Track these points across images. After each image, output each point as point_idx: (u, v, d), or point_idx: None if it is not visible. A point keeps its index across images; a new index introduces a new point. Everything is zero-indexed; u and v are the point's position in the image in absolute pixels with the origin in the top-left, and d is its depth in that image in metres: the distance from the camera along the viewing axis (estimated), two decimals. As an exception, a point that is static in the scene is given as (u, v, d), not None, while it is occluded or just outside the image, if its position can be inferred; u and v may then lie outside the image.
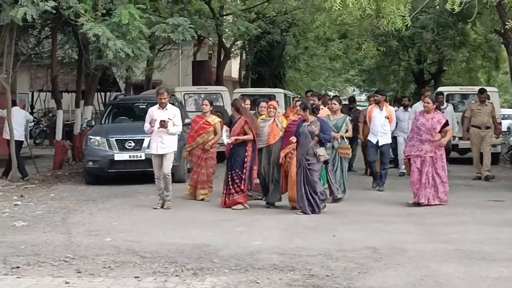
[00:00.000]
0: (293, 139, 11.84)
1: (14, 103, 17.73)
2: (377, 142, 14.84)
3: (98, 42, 15.21)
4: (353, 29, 23.23)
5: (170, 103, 13.05)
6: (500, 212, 12.20)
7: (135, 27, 15.24)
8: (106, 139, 16.15)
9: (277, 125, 12.60)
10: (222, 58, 31.03)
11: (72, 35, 21.24)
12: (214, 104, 14.42)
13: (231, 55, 33.56)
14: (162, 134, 12.49)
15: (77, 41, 19.98)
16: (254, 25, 26.49)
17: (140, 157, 15.61)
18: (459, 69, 35.98)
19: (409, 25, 15.26)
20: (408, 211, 12.25)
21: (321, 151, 11.77)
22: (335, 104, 13.79)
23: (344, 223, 11.08)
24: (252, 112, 13.57)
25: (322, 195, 11.83)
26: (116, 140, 16.09)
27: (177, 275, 7.79)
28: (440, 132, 12.68)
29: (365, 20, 17.32)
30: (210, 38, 31.80)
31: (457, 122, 18.32)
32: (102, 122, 17.88)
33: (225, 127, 13.22)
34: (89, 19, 15.05)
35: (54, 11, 14.92)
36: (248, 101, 13.87)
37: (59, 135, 20.29)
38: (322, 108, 13.89)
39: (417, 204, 12.54)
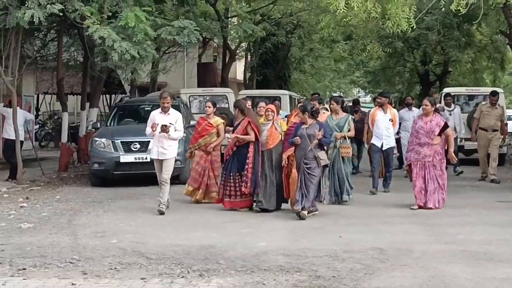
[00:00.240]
0: (297, 140, 11.59)
1: None
2: (382, 145, 14.67)
3: (103, 44, 15.23)
4: (358, 30, 23.23)
5: (172, 106, 12.86)
6: (506, 213, 12.15)
7: (141, 30, 15.24)
8: (112, 141, 16.15)
9: (276, 128, 12.34)
10: (227, 60, 31.03)
11: (77, 38, 21.27)
12: (219, 106, 14.42)
13: (236, 57, 33.57)
14: (163, 139, 12.21)
15: (82, 43, 20.03)
16: (259, 27, 26.46)
17: (146, 159, 15.53)
18: (465, 70, 35.95)
19: (414, 26, 15.21)
20: (414, 212, 12.21)
21: (321, 154, 11.57)
22: (332, 104, 13.59)
23: (350, 224, 11.07)
24: None
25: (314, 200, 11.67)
26: (121, 142, 16.10)
27: (183, 277, 7.79)
28: (439, 135, 12.48)
29: (370, 22, 17.28)
30: (215, 40, 31.80)
31: (463, 123, 18.29)
32: (108, 124, 17.90)
33: (227, 128, 13.15)
34: (94, 22, 15.06)
35: (60, 14, 14.93)
36: (249, 102, 13.73)
37: (64, 137, 20.32)
38: (323, 113, 13.84)
39: (421, 207, 12.41)
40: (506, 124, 17.56)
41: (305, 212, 11.33)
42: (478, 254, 8.77)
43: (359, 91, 63.91)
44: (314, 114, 11.81)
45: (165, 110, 12.37)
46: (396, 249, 9.04)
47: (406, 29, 15.24)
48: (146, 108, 17.99)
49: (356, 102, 20.08)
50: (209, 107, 13.65)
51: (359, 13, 14.33)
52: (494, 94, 17.16)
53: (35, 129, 26.16)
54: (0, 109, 18.44)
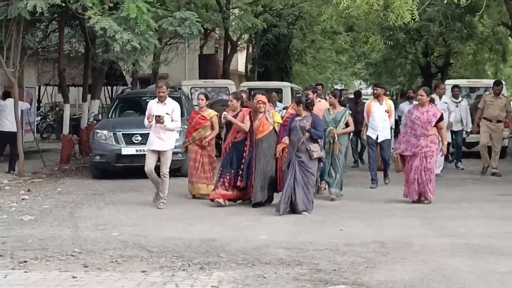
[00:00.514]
0: (286, 139, 11.42)
1: (8, 95, 17.69)
2: (377, 137, 14.49)
3: (105, 35, 15.20)
4: (360, 22, 23.18)
5: (170, 96, 12.64)
6: (508, 206, 12.15)
7: (143, 21, 15.21)
8: (113, 133, 16.15)
9: (266, 119, 12.03)
10: (228, 51, 31.00)
11: (79, 29, 21.24)
12: (220, 97, 14.30)
13: (238, 48, 33.54)
14: (160, 130, 11.93)
15: (84, 35, 19.98)
16: (260, 20, 26.42)
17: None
18: (466, 62, 35.88)
19: (417, 18, 15.16)
20: (414, 205, 12.17)
21: (314, 147, 11.29)
22: (330, 97, 13.33)
23: (351, 218, 11.07)
24: None
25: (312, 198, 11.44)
26: (123, 134, 16.08)
27: (184, 270, 7.79)
28: (435, 126, 12.27)
29: (372, 14, 17.23)
30: (216, 32, 31.76)
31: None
32: (109, 116, 17.89)
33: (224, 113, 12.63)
34: (96, 13, 15.03)
35: (62, 5, 14.90)
36: (245, 96, 13.56)
37: (66, 129, 20.32)
38: (319, 101, 13.73)
39: (416, 200, 12.27)
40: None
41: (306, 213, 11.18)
42: (480, 247, 8.77)
43: (360, 83, 63.86)
44: (308, 106, 11.58)
45: (161, 100, 12.06)
46: (396, 243, 9.04)
47: (409, 21, 15.19)
48: (147, 100, 17.82)
49: (358, 94, 19.97)
50: (201, 99, 13.23)
51: (361, 5, 14.28)
52: (498, 83, 17.02)
53: (36, 121, 26.15)
54: None
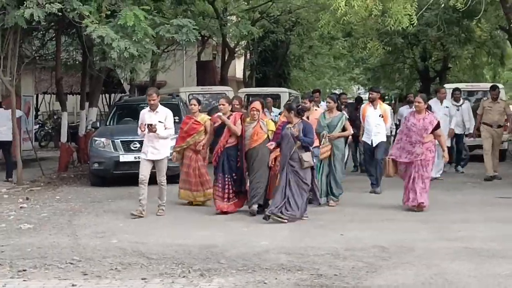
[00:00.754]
0: (272, 145, 11.30)
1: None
2: (372, 142, 14.22)
3: (102, 43, 15.18)
4: (358, 27, 23.15)
5: (165, 103, 12.47)
6: (509, 209, 12.10)
7: (141, 29, 15.18)
8: (111, 141, 16.10)
9: (261, 127, 11.86)
10: (226, 58, 30.98)
11: (76, 37, 21.24)
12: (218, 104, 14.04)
13: (236, 55, 33.51)
14: (153, 139, 11.72)
15: (81, 43, 19.98)
16: (256, 27, 26.42)
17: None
18: (464, 66, 35.83)
19: (415, 23, 15.11)
20: (415, 209, 12.12)
21: (306, 156, 10.99)
22: (329, 102, 13.15)
23: (352, 222, 11.03)
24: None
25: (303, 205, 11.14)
26: (121, 141, 16.04)
27: (184, 276, 7.76)
28: (432, 133, 12.06)
29: (370, 20, 17.18)
30: (214, 38, 31.75)
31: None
32: (107, 123, 17.86)
33: (218, 115, 12.37)
34: (93, 21, 15.01)
35: (58, 13, 14.87)
36: (237, 102, 13.36)
37: (64, 137, 20.27)
38: (316, 110, 13.67)
39: (415, 206, 12.00)
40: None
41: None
42: (481, 251, 8.74)
43: (359, 88, 63.82)
44: (300, 112, 11.39)
45: (152, 108, 11.87)
46: (398, 247, 9.00)
47: (407, 26, 15.14)
48: (145, 107, 17.89)
49: (359, 100, 19.89)
50: (194, 105, 13.04)
51: (359, 11, 14.22)
52: (494, 88, 16.94)
53: (34, 129, 26.12)
54: None
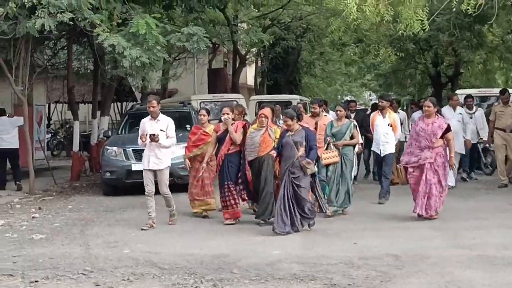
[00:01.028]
0: (273, 153, 11.15)
1: (3, 112, 17.85)
2: (380, 152, 13.93)
3: (114, 52, 15.20)
4: (370, 33, 23.12)
5: (164, 112, 12.22)
6: (523, 216, 12.02)
7: (152, 37, 15.19)
8: (123, 149, 16.09)
9: (269, 135, 11.61)
10: (237, 65, 30.98)
11: (87, 46, 21.28)
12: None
13: (247, 62, 33.52)
14: (155, 148, 11.44)
15: (92, 51, 20.01)
16: (267, 35, 26.38)
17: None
18: (476, 71, 35.78)
19: (427, 28, 15.03)
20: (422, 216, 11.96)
21: (307, 162, 10.77)
22: (340, 111, 12.85)
23: (364, 230, 10.95)
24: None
25: (309, 213, 10.85)
26: (133, 150, 16.00)
27: (196, 287, 7.73)
28: (441, 137, 11.81)
29: (382, 26, 17.10)
30: (225, 46, 31.78)
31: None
32: (119, 132, 17.87)
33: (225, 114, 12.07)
34: (104, 30, 15.03)
35: (70, 23, 14.91)
36: (237, 112, 13.03)
37: (76, 146, 20.30)
38: (325, 115, 13.59)
39: (419, 216, 11.78)
40: None
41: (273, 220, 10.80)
42: (495, 259, 8.65)
43: (370, 94, 63.74)
44: (299, 117, 11.29)
45: (153, 116, 11.60)
46: (411, 255, 8.93)
47: (418, 31, 15.06)
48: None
49: (375, 107, 19.80)
50: (203, 115, 12.81)
51: (371, 16, 14.14)
52: (503, 92, 16.71)
53: (47, 139, 26.20)
54: None
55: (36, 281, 8.06)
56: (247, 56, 32.76)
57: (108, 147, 16.49)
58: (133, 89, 28.48)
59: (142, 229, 11.35)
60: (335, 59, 39.55)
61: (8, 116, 17.93)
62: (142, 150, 15.46)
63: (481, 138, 17.33)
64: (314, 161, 11.05)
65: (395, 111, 15.71)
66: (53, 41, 21.36)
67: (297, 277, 7.98)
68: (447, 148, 11.91)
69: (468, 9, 13.57)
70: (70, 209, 14.11)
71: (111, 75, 20.09)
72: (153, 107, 11.56)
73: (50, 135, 30.08)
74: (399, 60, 34.16)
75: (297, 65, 36.78)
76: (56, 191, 17.14)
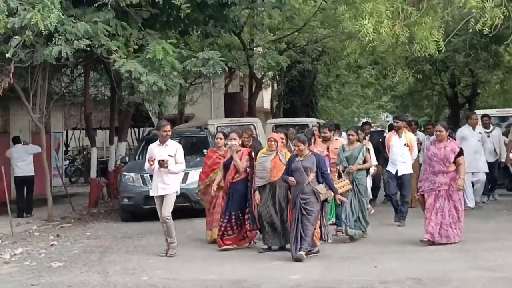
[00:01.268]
0: (293, 180, 10.67)
1: (18, 140, 17.98)
2: (396, 172, 13.82)
3: (130, 78, 15.26)
4: (387, 55, 23.04)
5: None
6: (545, 236, 11.87)
7: (168, 62, 15.24)
8: (141, 175, 16.07)
9: (280, 159, 11.29)
10: (253, 89, 31.02)
11: (104, 72, 21.38)
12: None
13: (263, 86, 33.55)
14: (163, 174, 11.21)
15: (109, 78, 20.10)
16: (283, 57, 26.42)
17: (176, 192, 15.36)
18: (494, 91, 35.53)
19: (443, 49, 14.96)
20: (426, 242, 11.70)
21: (320, 188, 10.62)
22: (352, 135, 12.69)
23: (385, 253, 10.86)
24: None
25: (309, 242, 10.54)
26: (150, 176, 15.89)
27: (216, 313, 7.65)
28: (454, 162, 11.53)
29: (398, 47, 17.02)
30: (241, 70, 31.84)
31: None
32: (136, 158, 17.87)
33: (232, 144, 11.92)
34: (121, 56, 15.10)
35: (87, 49, 14.99)
36: (246, 135, 12.86)
37: (94, 173, 20.32)
38: (336, 139, 13.53)
39: (432, 242, 11.40)
40: None
41: (303, 253, 10.37)
42: (518, 281, 8.53)
43: (387, 116, 63.56)
44: (309, 142, 11.17)
45: (163, 141, 11.39)
46: (432, 278, 8.83)
47: (434, 52, 14.99)
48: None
49: (391, 127, 19.70)
50: (220, 138, 12.57)
51: (387, 38, 14.10)
52: None
53: (65, 165, 26.29)
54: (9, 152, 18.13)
55: (54, 309, 8.03)
56: (263, 80, 32.79)
57: (125, 173, 16.49)
58: (150, 114, 28.54)
59: (160, 256, 11.27)
60: (351, 82, 39.47)
61: (23, 144, 18.03)
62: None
63: (500, 158, 17.16)
64: (328, 186, 10.85)
65: (414, 132, 15.61)
66: (70, 68, 21.46)
67: (317, 302, 7.90)
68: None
69: (484, 29, 13.50)
70: (88, 236, 14.09)
71: (128, 101, 20.14)
72: (169, 131, 11.44)
73: (68, 162, 30.18)
74: (415, 81, 34.05)
75: (313, 88, 36.76)
76: (74, 218, 17.14)
